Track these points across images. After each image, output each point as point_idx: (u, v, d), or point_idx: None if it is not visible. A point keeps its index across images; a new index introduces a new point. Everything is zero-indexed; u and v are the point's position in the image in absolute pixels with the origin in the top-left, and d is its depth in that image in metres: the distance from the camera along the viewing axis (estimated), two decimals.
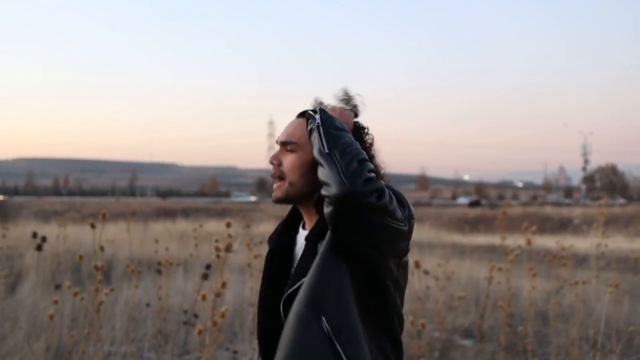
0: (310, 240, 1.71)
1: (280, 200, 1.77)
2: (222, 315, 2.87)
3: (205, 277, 3.54)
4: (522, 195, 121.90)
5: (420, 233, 22.46)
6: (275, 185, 1.75)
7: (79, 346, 4.42)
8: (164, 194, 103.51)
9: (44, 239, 4.77)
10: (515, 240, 8.91)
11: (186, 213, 37.37)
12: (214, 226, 18.85)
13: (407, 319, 6.61)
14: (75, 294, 4.02)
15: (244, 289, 8.12)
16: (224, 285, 2.84)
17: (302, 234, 1.82)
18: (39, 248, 4.48)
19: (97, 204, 54.83)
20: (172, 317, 6.19)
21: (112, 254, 11.59)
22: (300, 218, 1.88)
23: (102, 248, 3.56)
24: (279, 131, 1.83)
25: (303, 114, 1.77)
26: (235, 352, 4.85)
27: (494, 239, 23.62)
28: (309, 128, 1.69)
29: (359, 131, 1.79)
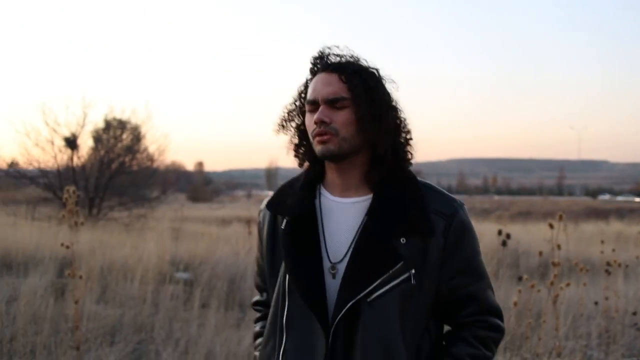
0: (382, 235, 1.51)
1: (333, 154, 1.53)
2: None
3: None
4: None
5: None
6: (325, 137, 1.52)
7: (534, 332, 4.90)
8: (593, 192, 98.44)
9: (508, 235, 5.40)
10: None
11: (620, 213, 35.03)
12: None
13: None
14: (532, 286, 4.51)
15: None
16: None
17: (329, 198, 1.61)
18: (504, 244, 5.11)
19: (525, 203, 55.69)
20: (618, 318, 6.22)
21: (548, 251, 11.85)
22: (316, 181, 1.66)
23: (559, 246, 3.94)
24: None
25: (335, 69, 1.56)
26: None
27: None
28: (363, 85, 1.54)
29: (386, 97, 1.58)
